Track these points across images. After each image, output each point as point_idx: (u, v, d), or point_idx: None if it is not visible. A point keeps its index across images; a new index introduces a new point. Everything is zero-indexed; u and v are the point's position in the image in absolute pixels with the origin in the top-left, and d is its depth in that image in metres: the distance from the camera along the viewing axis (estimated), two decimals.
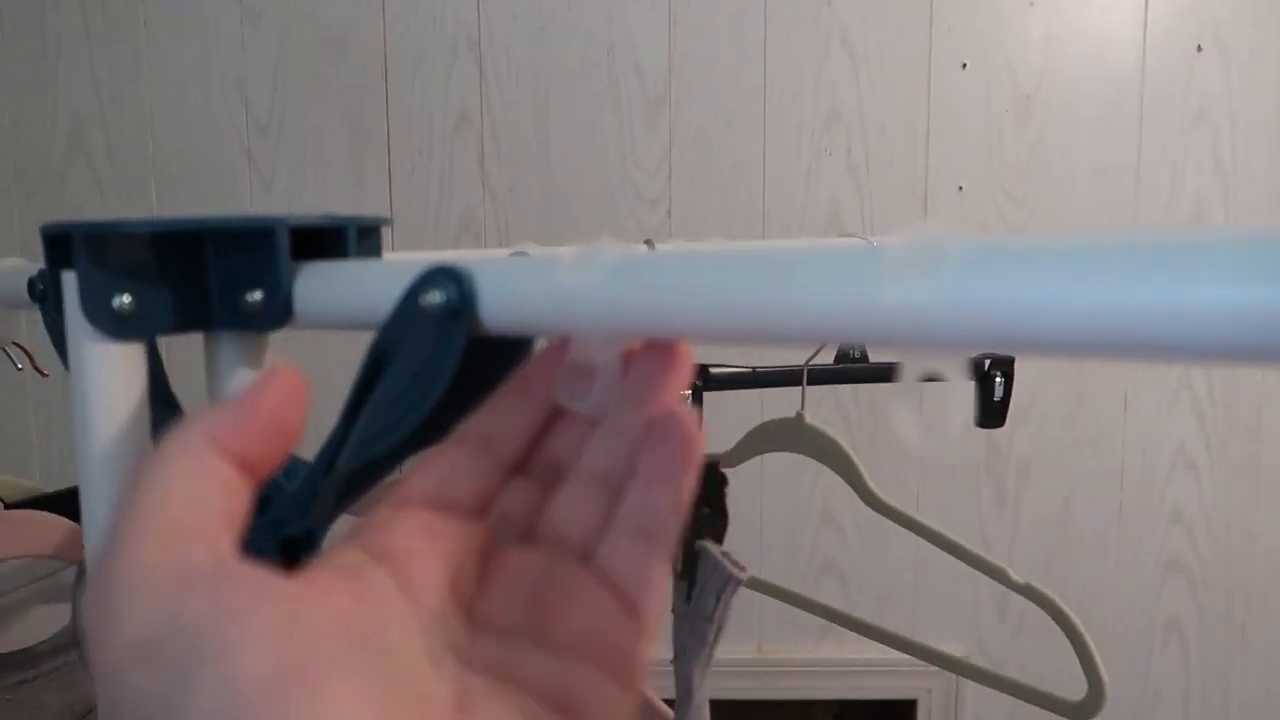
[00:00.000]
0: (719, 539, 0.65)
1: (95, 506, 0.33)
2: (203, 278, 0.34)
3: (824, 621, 0.80)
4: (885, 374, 0.84)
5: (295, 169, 1.15)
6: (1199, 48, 1.11)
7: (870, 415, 1.16)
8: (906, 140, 1.14)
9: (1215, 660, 1.21)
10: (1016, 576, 0.65)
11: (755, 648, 1.19)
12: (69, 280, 0.33)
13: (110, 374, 0.33)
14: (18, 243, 1.14)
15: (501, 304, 0.27)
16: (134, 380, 0.34)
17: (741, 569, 0.61)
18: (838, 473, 0.71)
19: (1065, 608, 0.63)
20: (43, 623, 0.71)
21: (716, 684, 0.67)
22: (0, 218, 1.16)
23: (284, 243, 0.33)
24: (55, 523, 0.57)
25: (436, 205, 1.16)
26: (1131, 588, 1.20)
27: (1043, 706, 0.64)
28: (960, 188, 1.14)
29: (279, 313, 0.32)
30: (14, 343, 0.50)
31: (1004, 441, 1.17)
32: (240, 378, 0.36)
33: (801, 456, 0.73)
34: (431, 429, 0.30)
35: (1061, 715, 0.63)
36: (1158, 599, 1.20)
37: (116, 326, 0.33)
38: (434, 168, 1.15)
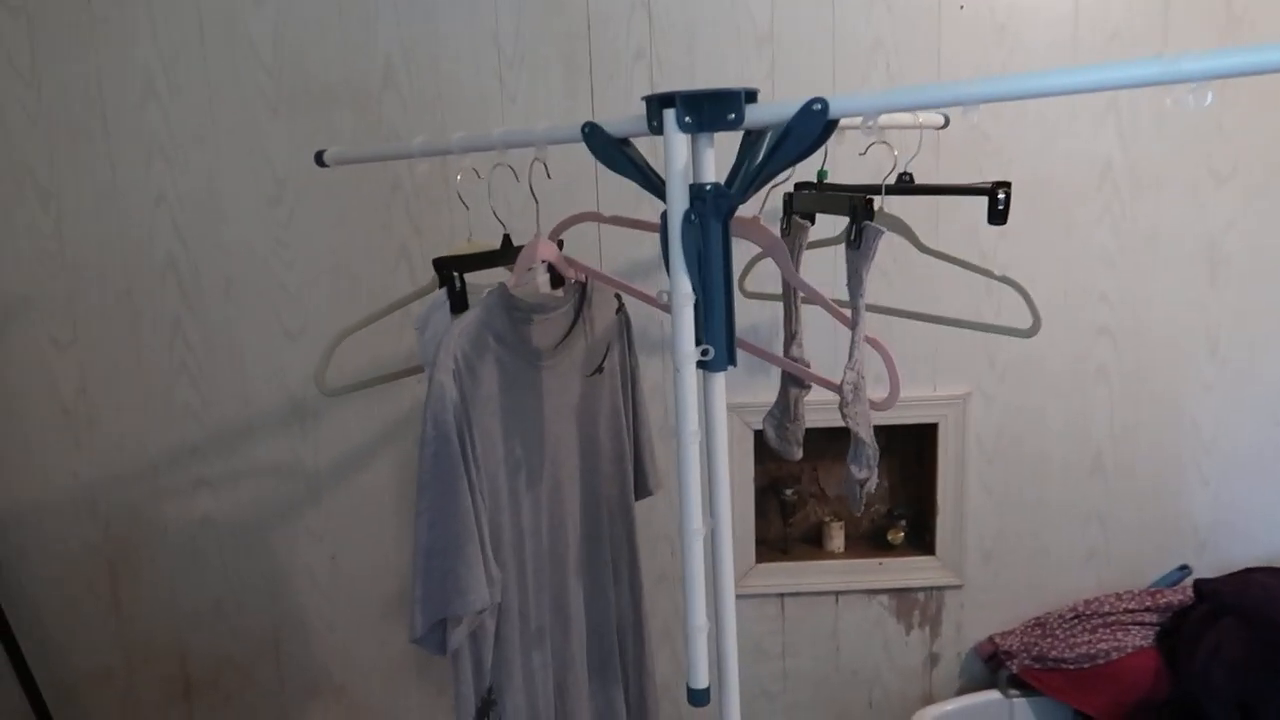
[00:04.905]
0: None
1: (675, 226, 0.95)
2: (703, 112, 0.95)
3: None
4: (929, 190, 1.47)
5: (529, 90, 1.76)
6: None
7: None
8: None
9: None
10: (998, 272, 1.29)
11: None
12: (669, 113, 0.94)
13: (680, 144, 0.95)
14: (350, 140, 1.75)
15: (839, 108, 0.89)
16: (685, 149, 0.96)
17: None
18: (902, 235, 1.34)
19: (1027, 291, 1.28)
20: None
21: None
22: (339, 124, 1.76)
23: (742, 96, 0.94)
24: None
25: (623, 109, 1.76)
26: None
27: (1005, 334, 1.29)
28: None
29: (741, 121, 0.94)
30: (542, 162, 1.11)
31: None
32: (709, 156, 0.98)
33: None
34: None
35: (1016, 336, 1.28)
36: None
37: (685, 128, 0.95)
38: (620, 86, 1.75)
